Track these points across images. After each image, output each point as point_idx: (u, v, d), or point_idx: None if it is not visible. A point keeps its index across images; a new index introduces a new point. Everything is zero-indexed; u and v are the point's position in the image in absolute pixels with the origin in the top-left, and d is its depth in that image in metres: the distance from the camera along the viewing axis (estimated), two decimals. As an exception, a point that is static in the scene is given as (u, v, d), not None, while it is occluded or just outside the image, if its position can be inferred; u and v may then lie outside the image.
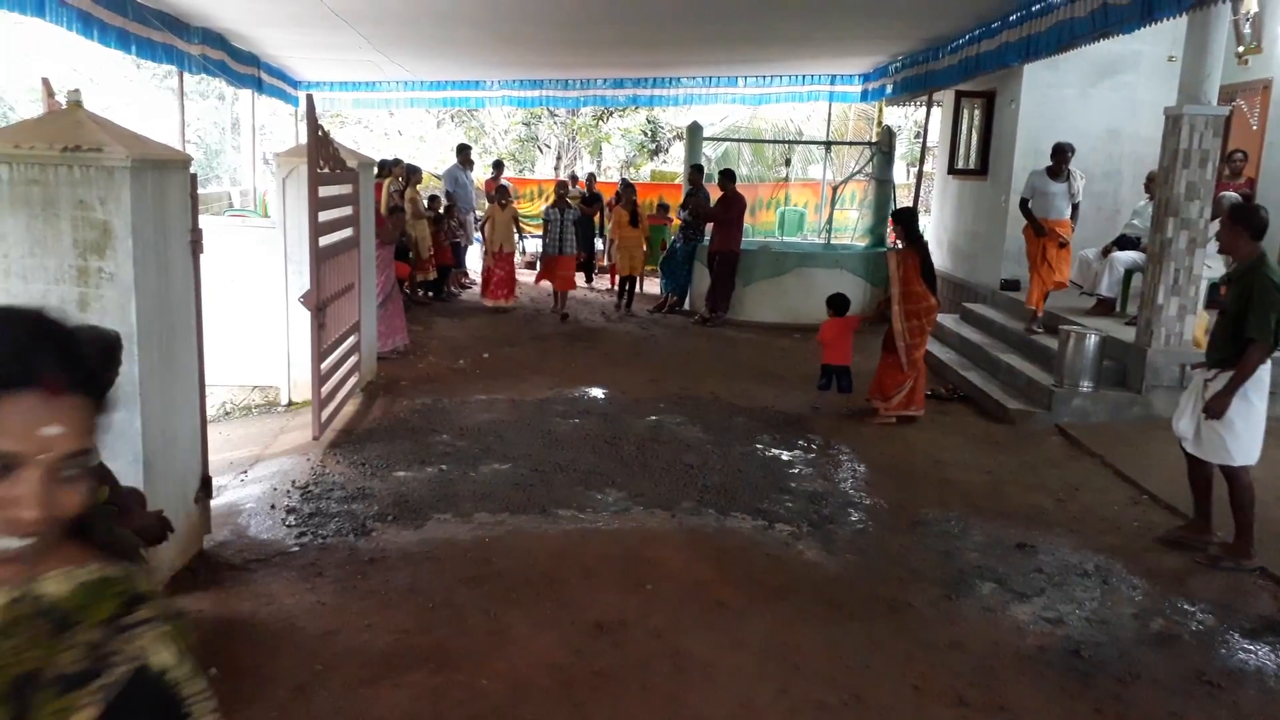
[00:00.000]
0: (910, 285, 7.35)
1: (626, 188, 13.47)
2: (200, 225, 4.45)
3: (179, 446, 4.30)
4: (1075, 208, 8.64)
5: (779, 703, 3.48)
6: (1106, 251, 8.85)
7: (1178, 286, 7.17)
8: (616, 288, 12.58)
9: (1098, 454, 6.58)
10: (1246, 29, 9.10)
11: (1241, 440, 4.66)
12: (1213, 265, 7.72)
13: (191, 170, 4.39)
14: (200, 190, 4.72)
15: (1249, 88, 9.39)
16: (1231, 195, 7.67)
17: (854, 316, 8.08)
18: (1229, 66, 8.33)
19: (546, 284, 12.19)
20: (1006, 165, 10.61)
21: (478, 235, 15.02)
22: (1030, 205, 8.53)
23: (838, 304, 8.00)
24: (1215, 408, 4.66)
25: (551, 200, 12.35)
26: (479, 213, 14.66)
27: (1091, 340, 7.28)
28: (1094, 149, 10.22)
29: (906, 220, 7.64)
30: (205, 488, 4.49)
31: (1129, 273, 8.64)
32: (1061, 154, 8.48)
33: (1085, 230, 10.08)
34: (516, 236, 12.93)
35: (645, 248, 12.74)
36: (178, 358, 4.22)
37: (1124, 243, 8.79)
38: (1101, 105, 10.15)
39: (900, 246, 7.69)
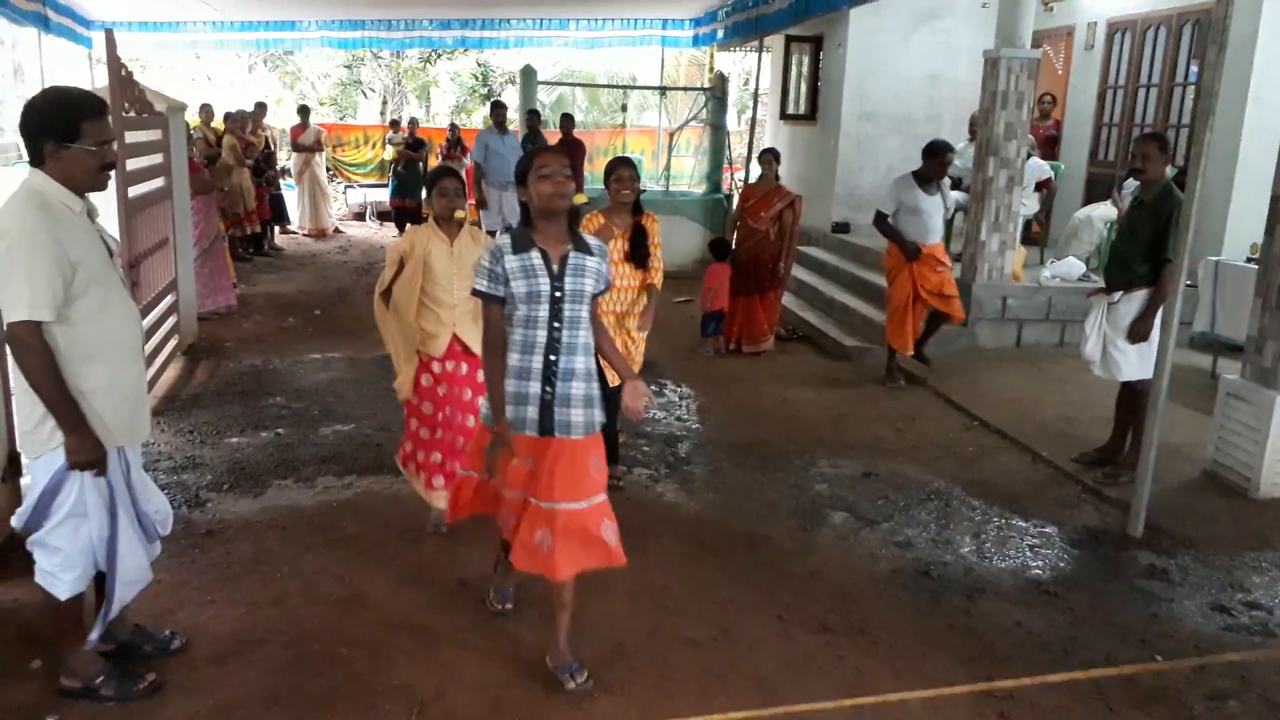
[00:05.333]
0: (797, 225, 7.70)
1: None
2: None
3: (-24, 421, 3.86)
4: (950, 222, 7.15)
5: (650, 643, 3.47)
6: (931, 192, 9.21)
7: (999, 223, 7.56)
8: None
9: (930, 385, 6.89)
10: (1052, -23, 9.61)
11: (1146, 356, 4.79)
12: (1027, 203, 8.18)
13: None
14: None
15: (1054, 34, 9.94)
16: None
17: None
18: (1036, 14, 8.78)
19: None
20: (835, 110, 10.88)
21: (290, 184, 14.20)
22: (897, 222, 6.67)
23: (722, 249, 7.91)
24: (1141, 330, 4.78)
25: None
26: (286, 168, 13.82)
27: (921, 277, 7.57)
28: (917, 93, 10.61)
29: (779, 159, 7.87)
30: (13, 464, 4.06)
31: (953, 212, 9.04)
32: (940, 156, 6.56)
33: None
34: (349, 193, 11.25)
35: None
36: (-32, 322, 3.76)
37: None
38: (922, 50, 10.52)
39: (777, 185, 7.80)
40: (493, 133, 10.53)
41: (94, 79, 13.46)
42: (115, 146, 2.75)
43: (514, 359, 3.01)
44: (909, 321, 6.76)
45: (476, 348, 3.94)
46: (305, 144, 13.60)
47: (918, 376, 7.02)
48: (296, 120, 14.09)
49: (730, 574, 4.04)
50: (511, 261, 2.96)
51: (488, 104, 24.05)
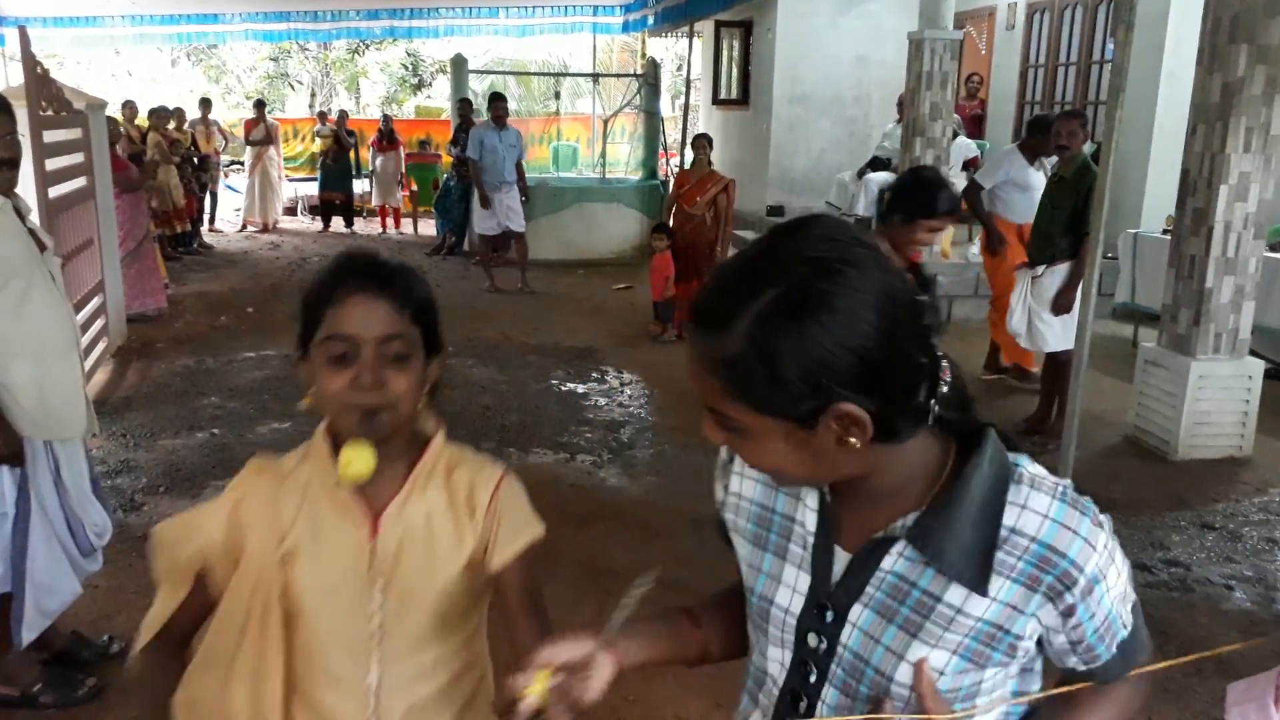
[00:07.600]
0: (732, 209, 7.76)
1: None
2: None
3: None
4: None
5: (598, 623, 3.51)
6: (861, 174, 9.37)
7: (927, 202, 7.70)
8: None
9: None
10: (973, -41, 9.79)
11: (1069, 327, 4.95)
12: (956, 183, 8.35)
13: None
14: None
15: (976, 15, 10.15)
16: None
17: None
18: (959, -5, 8.98)
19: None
20: (766, 94, 10.99)
21: (228, 184, 14.02)
22: (996, 197, 5.93)
23: (671, 235, 7.86)
24: (1064, 302, 4.96)
25: None
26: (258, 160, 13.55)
27: (855, 257, 7.71)
28: (845, 75, 10.77)
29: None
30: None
31: (883, 193, 9.19)
32: (1049, 130, 5.51)
33: (841, 155, 10.68)
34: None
35: None
36: (-116, 330, 3.65)
37: (877, 164, 9.35)
38: (850, 33, 10.67)
39: (711, 170, 7.83)
40: (490, 127, 9.67)
41: (8, 77, 13.02)
42: (12, 143, 2.71)
43: None
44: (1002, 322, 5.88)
45: None
46: (258, 139, 13.48)
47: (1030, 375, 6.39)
48: (246, 115, 13.94)
49: (674, 554, 4.09)
50: None
51: (415, 93, 23.81)
